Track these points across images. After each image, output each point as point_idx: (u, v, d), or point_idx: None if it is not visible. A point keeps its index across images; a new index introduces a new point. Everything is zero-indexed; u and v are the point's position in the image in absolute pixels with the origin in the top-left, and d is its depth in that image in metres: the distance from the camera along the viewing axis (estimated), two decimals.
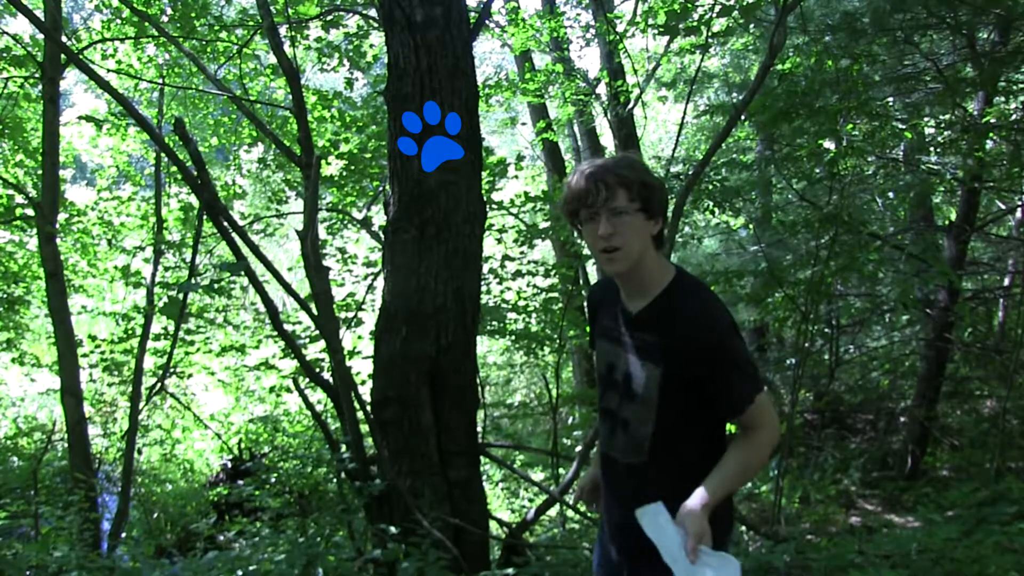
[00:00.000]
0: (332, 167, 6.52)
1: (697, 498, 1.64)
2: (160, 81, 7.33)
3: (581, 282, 9.02)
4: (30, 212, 6.28)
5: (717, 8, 5.30)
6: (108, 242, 8.19)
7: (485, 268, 6.11)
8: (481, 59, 19.75)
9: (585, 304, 4.37)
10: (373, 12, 5.44)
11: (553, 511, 4.99)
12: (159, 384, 6.70)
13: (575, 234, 1.91)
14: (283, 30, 5.31)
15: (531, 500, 6.55)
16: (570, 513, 5.07)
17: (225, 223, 3.37)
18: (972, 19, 5.20)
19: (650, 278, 1.75)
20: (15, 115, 7.15)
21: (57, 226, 6.10)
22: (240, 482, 5.96)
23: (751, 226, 6.24)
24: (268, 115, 7.24)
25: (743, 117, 4.49)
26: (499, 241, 6.79)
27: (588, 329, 2.04)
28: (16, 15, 6.23)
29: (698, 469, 1.70)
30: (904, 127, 5.84)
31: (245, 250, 3.39)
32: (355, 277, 6.65)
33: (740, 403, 1.69)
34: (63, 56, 5.54)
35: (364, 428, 3.65)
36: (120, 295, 8.35)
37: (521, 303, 6.95)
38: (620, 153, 1.90)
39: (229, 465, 7.60)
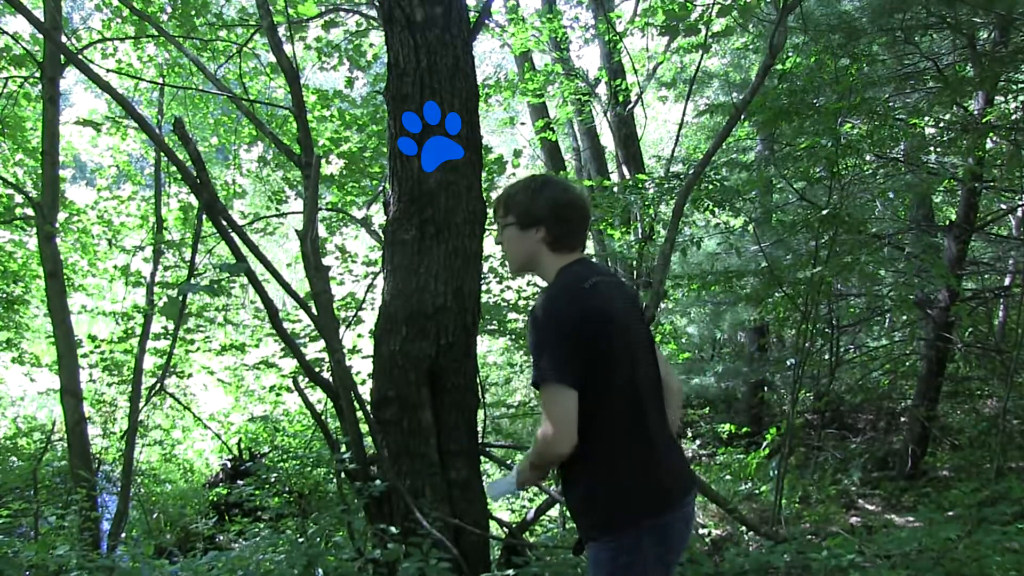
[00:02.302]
0: (332, 166, 6.52)
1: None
2: (160, 81, 7.33)
3: None
4: (30, 212, 6.26)
5: (717, 8, 5.30)
6: (108, 242, 8.19)
7: (485, 267, 6.11)
8: (481, 59, 19.73)
9: None
10: (373, 12, 5.43)
11: (553, 511, 4.99)
12: (159, 384, 6.70)
13: None
14: (283, 30, 5.30)
15: (531, 500, 6.54)
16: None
17: (225, 223, 3.35)
18: (972, 19, 5.19)
19: (546, 275, 2.02)
20: (15, 115, 7.14)
21: (57, 226, 6.09)
22: (240, 482, 5.95)
23: (751, 227, 6.22)
24: (268, 115, 7.23)
25: (743, 117, 4.49)
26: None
27: None
28: (16, 15, 6.22)
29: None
30: (904, 127, 5.83)
31: (245, 250, 3.38)
32: (355, 277, 6.64)
33: (534, 380, 1.87)
34: (63, 56, 5.53)
35: (364, 428, 3.64)
36: (120, 295, 8.33)
37: (521, 302, 6.94)
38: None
39: (229, 465, 7.61)
